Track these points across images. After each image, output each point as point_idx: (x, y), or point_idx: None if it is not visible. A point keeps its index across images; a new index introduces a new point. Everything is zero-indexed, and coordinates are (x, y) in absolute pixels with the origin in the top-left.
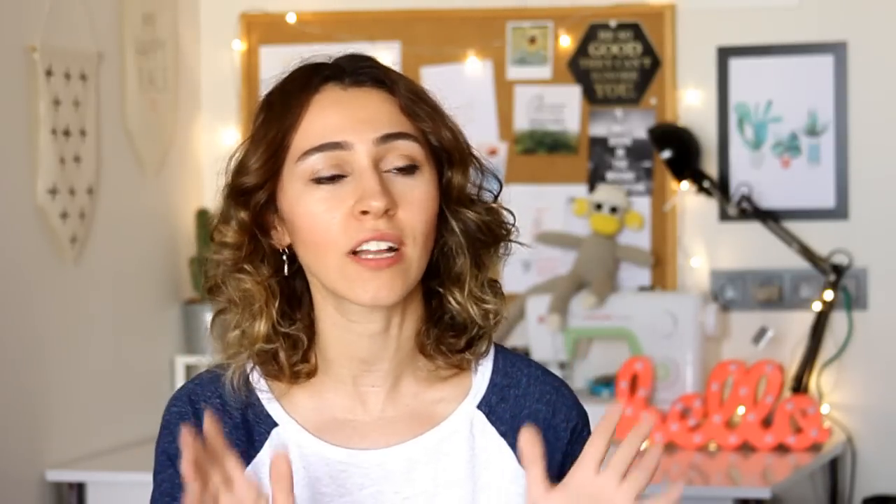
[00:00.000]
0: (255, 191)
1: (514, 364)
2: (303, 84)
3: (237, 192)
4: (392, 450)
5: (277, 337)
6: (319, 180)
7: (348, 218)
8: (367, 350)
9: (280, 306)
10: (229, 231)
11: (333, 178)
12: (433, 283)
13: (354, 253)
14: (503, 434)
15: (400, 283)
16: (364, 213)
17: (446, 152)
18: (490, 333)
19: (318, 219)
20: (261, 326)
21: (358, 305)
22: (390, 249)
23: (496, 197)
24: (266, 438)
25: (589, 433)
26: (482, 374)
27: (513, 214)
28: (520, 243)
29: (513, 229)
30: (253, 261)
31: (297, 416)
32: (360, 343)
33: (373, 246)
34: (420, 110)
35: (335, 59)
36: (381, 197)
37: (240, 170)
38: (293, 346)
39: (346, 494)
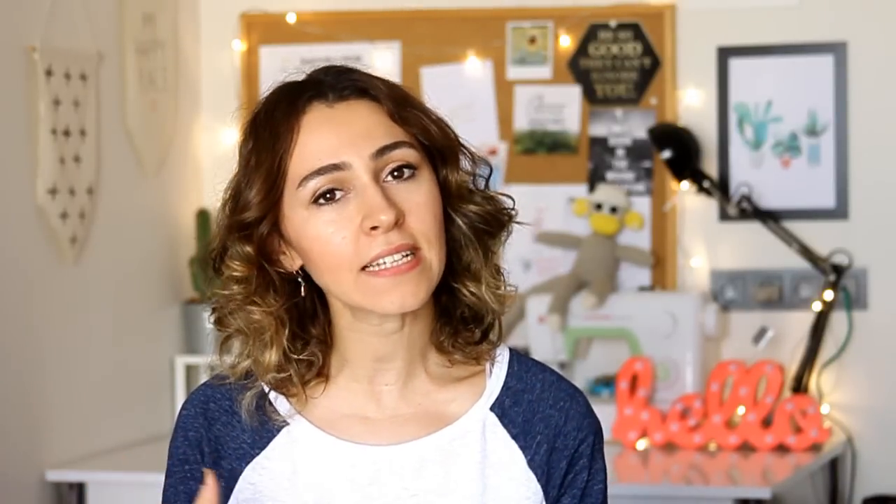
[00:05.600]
0: (257, 224)
1: (528, 369)
2: (288, 107)
3: (239, 228)
4: (403, 446)
5: (289, 363)
6: (321, 201)
7: (358, 235)
8: (383, 349)
9: (291, 330)
10: (236, 266)
11: (336, 198)
12: (445, 278)
13: (367, 267)
14: (514, 437)
15: (423, 285)
16: (374, 228)
17: (438, 150)
18: (500, 319)
19: (327, 241)
20: (272, 356)
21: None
22: (406, 255)
23: (487, 181)
24: (275, 436)
25: (599, 442)
26: (496, 376)
27: (511, 198)
28: (523, 223)
29: (513, 213)
30: (262, 294)
31: (309, 414)
32: (377, 342)
33: (388, 260)
34: (407, 114)
35: (312, 75)
36: (389, 210)
37: (239, 205)
38: (308, 366)
39: (356, 490)
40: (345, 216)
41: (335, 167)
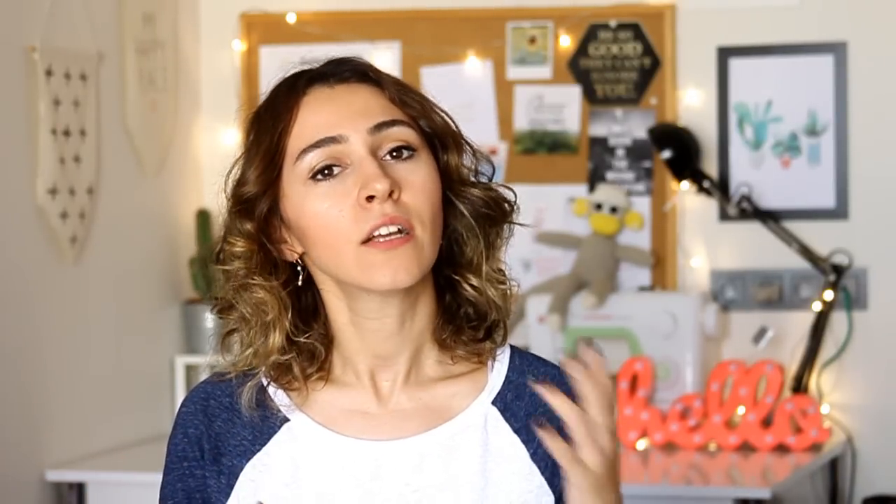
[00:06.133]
0: (257, 200)
1: (530, 363)
2: (289, 90)
3: (240, 204)
4: (405, 441)
5: (292, 348)
6: (319, 177)
7: (355, 208)
8: (383, 345)
9: (293, 319)
10: (238, 242)
11: (333, 173)
12: (447, 271)
13: (367, 241)
14: (517, 431)
15: (415, 263)
16: (369, 199)
17: (440, 136)
18: (506, 321)
19: (325, 215)
20: (275, 338)
21: (376, 295)
22: (400, 232)
23: (490, 179)
24: (276, 432)
25: None
26: (498, 370)
27: (512, 191)
28: (523, 224)
29: (515, 205)
30: (263, 271)
31: (309, 410)
32: (376, 338)
33: (383, 231)
34: (408, 98)
35: (319, 66)
36: (384, 179)
37: (239, 182)
38: (309, 358)
39: (358, 486)
40: (341, 191)
41: (332, 140)
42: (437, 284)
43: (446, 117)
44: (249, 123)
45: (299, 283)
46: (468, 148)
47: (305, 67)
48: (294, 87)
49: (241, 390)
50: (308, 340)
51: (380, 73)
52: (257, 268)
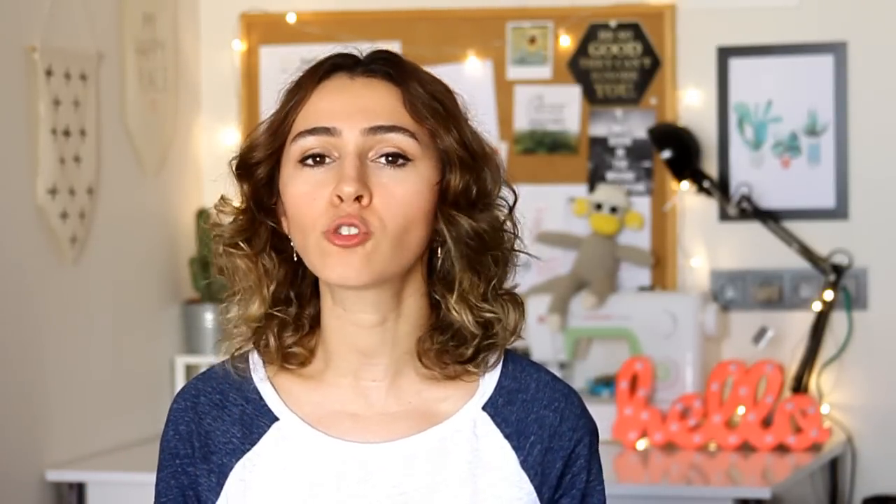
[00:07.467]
0: (257, 165)
1: (523, 368)
2: (314, 70)
3: (243, 165)
4: (392, 444)
5: (271, 320)
6: (309, 162)
7: (328, 201)
8: (364, 342)
9: (286, 293)
10: (230, 203)
11: (320, 161)
12: (436, 288)
13: (329, 232)
14: (507, 436)
15: (366, 266)
16: (339, 197)
17: (448, 156)
18: (502, 346)
19: (302, 200)
20: (254, 307)
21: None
22: (357, 234)
23: (511, 209)
24: (265, 432)
25: (596, 443)
26: (490, 375)
27: (515, 225)
28: (525, 252)
29: (517, 242)
30: (251, 239)
31: (298, 410)
32: (357, 334)
33: (344, 231)
34: (426, 109)
35: (361, 54)
36: (353, 183)
37: (249, 144)
38: (285, 327)
39: (345, 487)
40: (322, 181)
41: (327, 130)
42: (432, 296)
43: (466, 134)
44: (285, 88)
45: (294, 258)
46: (487, 174)
47: (351, 52)
48: (318, 70)
49: (229, 361)
50: (286, 315)
51: (407, 78)
52: (241, 232)
